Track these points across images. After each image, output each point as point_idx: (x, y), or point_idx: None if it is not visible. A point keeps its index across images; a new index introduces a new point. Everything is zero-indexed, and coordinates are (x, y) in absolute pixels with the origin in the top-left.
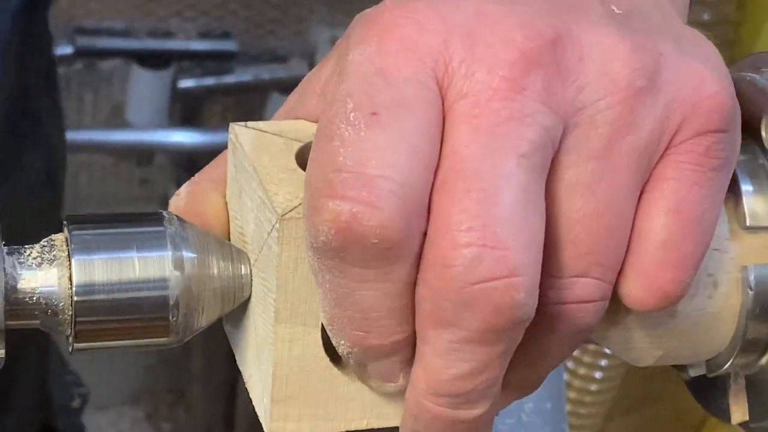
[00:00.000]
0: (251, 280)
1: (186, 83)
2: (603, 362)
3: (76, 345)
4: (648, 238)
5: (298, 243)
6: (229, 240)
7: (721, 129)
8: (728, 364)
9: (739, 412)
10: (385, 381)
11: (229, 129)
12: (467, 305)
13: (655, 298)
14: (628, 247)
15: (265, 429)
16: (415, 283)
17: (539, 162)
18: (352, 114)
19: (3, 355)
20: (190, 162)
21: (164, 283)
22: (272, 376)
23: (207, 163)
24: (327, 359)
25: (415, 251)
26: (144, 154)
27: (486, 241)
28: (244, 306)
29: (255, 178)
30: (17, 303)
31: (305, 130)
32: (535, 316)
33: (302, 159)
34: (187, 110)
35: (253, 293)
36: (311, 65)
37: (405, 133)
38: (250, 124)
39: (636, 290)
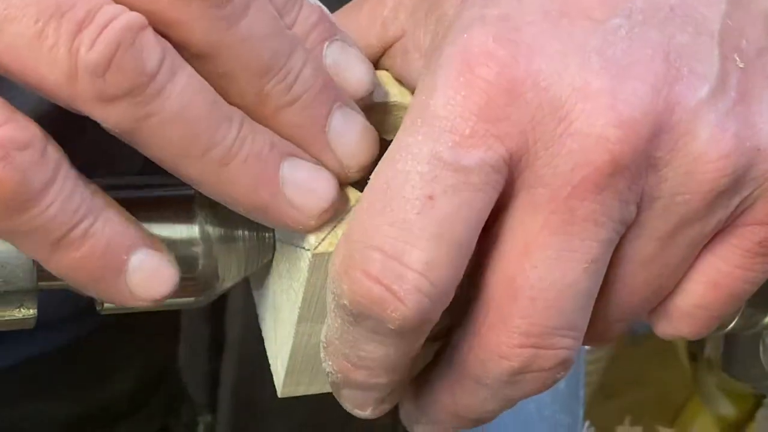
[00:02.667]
0: (274, 243)
1: None
2: (588, 348)
3: (105, 305)
4: (682, 296)
5: (326, 270)
6: None
7: None
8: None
9: (713, 349)
10: (355, 408)
11: None
12: (514, 383)
13: (670, 337)
14: None
15: (277, 390)
16: (416, 351)
17: (606, 257)
18: (409, 191)
19: (35, 315)
20: None
21: (192, 244)
22: (289, 358)
23: None
24: None
25: (427, 334)
26: None
27: (543, 345)
28: (266, 270)
29: None
30: None
31: None
32: None
33: None
34: None
35: (275, 261)
36: None
37: (454, 225)
38: None
39: (659, 327)
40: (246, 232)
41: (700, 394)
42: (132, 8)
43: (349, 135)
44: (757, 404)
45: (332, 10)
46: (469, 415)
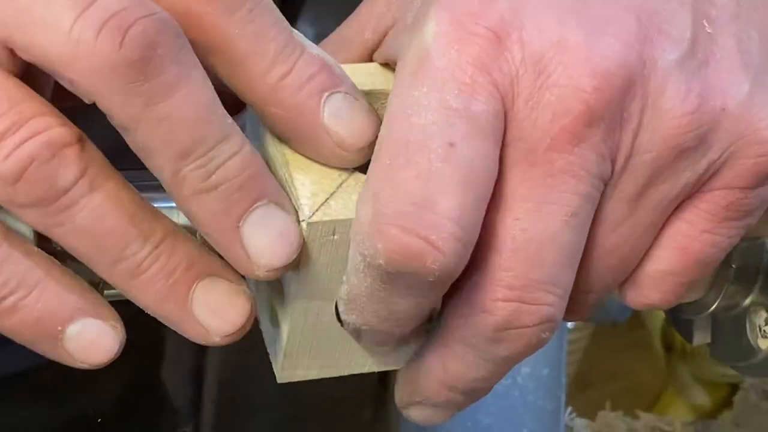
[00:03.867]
0: None
1: None
2: (568, 337)
3: (105, 292)
4: (651, 263)
5: (323, 240)
6: None
7: (751, 186)
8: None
9: (700, 336)
10: (377, 344)
11: None
12: (500, 342)
13: (641, 307)
14: None
15: (276, 374)
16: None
17: (587, 213)
18: (430, 140)
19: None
20: None
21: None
22: (287, 339)
23: None
24: (337, 323)
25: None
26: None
27: (526, 299)
28: None
29: (279, 150)
30: None
31: None
32: None
33: None
34: None
35: None
36: None
37: (476, 169)
38: None
39: (629, 296)
40: None
41: (675, 385)
42: (55, 74)
43: (262, 238)
44: (731, 393)
45: (325, 12)
46: (458, 384)
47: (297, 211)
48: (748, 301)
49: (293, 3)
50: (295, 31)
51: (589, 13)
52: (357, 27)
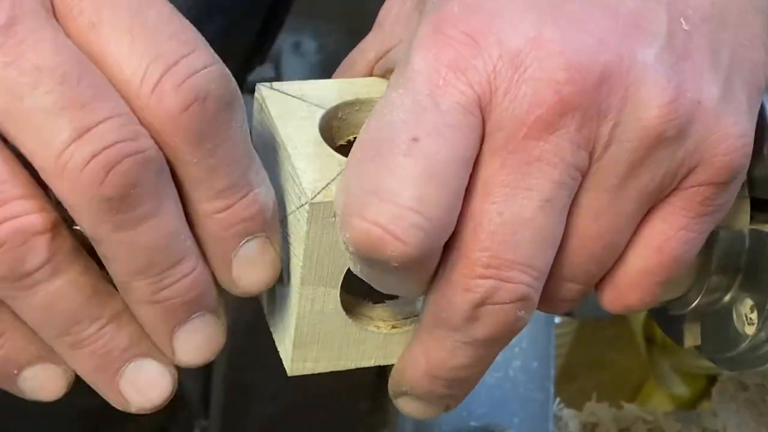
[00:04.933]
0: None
1: None
2: (555, 332)
3: None
4: (628, 263)
5: (324, 221)
6: None
7: (725, 182)
8: (695, 303)
9: (691, 338)
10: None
11: (255, 89)
12: (478, 319)
13: (620, 309)
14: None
15: (286, 367)
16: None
17: (562, 200)
18: (396, 135)
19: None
20: None
21: None
22: (295, 327)
23: None
24: (343, 312)
25: (434, 266)
26: None
27: (502, 277)
28: None
29: (283, 149)
30: None
31: (326, 94)
32: None
33: (326, 129)
34: None
35: (281, 252)
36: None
37: (441, 163)
38: (275, 85)
39: (607, 298)
40: None
41: (656, 376)
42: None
43: (191, 343)
44: (708, 384)
45: (304, 21)
46: (440, 372)
47: (300, 197)
48: (731, 293)
49: (276, 15)
50: (256, 163)
51: (566, 13)
52: (363, 49)
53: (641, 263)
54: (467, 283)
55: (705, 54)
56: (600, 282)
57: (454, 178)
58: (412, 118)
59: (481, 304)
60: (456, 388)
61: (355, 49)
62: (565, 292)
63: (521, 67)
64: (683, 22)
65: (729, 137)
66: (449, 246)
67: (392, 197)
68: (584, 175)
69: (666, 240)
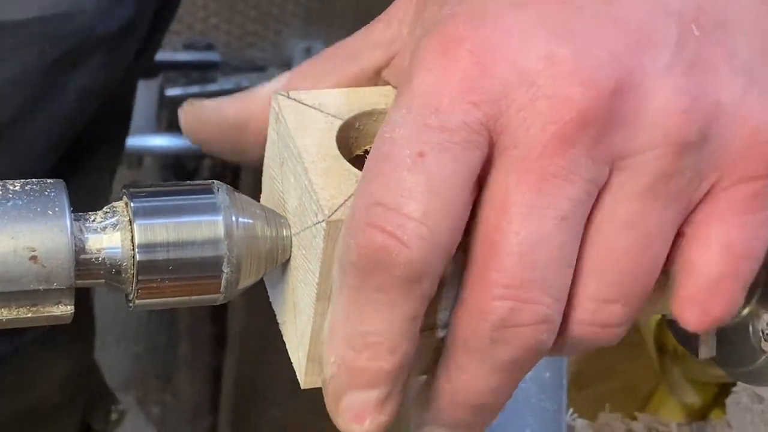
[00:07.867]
0: (291, 244)
1: (173, 91)
2: None
3: (137, 302)
4: (701, 272)
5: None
6: (263, 193)
7: (763, 174)
8: None
9: (706, 350)
10: (353, 421)
11: (272, 98)
12: (499, 342)
13: (710, 324)
14: (676, 279)
15: (299, 380)
16: (418, 319)
17: (578, 218)
18: (402, 151)
19: (71, 312)
20: (177, 164)
21: (217, 245)
22: (309, 341)
23: (192, 164)
24: None
25: (432, 292)
26: (134, 158)
27: (520, 298)
28: (284, 265)
29: (299, 162)
30: (85, 263)
31: (344, 103)
32: (561, 335)
33: (343, 140)
34: (174, 116)
35: (292, 257)
36: None
37: (445, 179)
38: (292, 94)
39: (693, 318)
40: (267, 233)
41: (667, 384)
42: None
43: None
44: (719, 393)
45: (314, 26)
46: (464, 399)
47: (317, 213)
48: (749, 307)
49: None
50: None
51: (576, 28)
52: (371, 43)
53: (717, 267)
54: (486, 305)
55: (720, 56)
56: (679, 306)
57: (460, 196)
58: (417, 136)
59: (501, 326)
60: (480, 416)
61: (362, 35)
62: (608, 315)
63: (534, 86)
64: (694, 28)
65: (761, 129)
66: (467, 270)
67: (398, 208)
68: (604, 189)
69: (732, 236)
